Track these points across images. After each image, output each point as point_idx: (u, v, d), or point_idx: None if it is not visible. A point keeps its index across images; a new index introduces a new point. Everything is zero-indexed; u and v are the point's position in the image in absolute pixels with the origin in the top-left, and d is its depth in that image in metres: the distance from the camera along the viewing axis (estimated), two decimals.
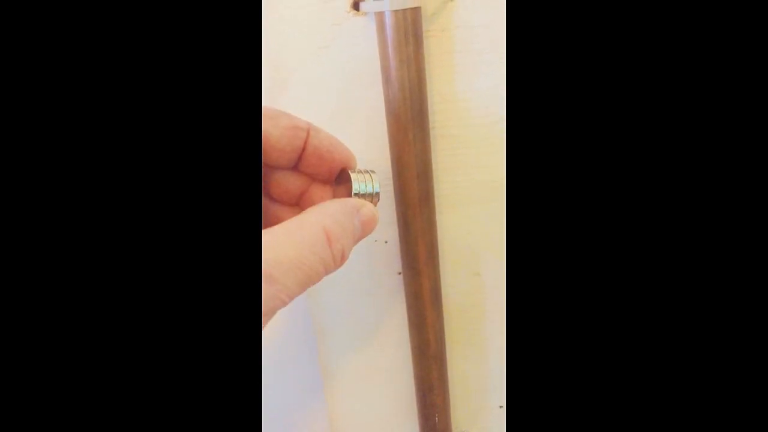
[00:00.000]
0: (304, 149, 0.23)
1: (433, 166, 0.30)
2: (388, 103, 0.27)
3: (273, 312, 0.19)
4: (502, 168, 0.30)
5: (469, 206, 0.32)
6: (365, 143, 0.30)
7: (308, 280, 0.19)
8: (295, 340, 0.38)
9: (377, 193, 0.24)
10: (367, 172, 0.25)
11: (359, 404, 0.38)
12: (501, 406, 0.37)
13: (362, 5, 0.26)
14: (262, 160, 0.23)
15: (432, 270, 0.31)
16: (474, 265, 0.33)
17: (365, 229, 0.23)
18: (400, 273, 0.33)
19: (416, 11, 0.25)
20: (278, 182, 0.24)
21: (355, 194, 0.24)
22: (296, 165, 0.24)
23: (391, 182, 0.30)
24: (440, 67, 0.28)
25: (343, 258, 0.21)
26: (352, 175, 0.24)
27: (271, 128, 0.22)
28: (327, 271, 0.21)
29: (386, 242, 0.33)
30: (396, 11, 0.25)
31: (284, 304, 0.19)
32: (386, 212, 0.32)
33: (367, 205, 0.23)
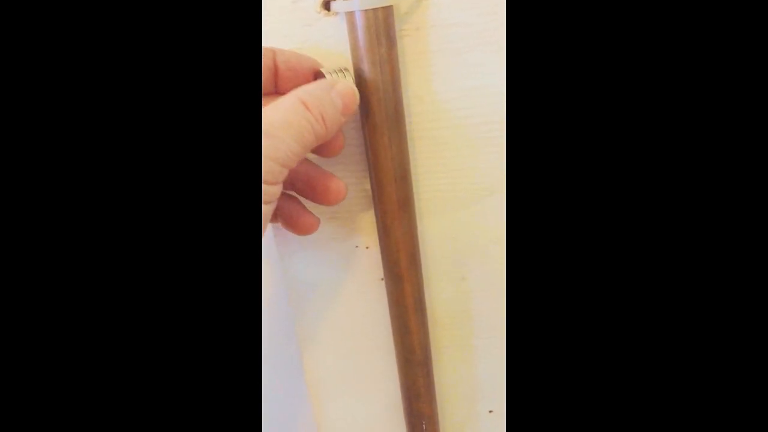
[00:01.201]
0: (277, 68, 0.25)
1: (414, 170, 0.29)
2: (363, 106, 0.26)
3: (281, 165, 0.21)
4: (486, 170, 0.29)
5: (452, 210, 0.31)
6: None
7: (301, 137, 0.22)
8: (279, 349, 0.37)
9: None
10: (340, 69, 0.25)
11: (346, 413, 0.37)
12: (491, 411, 0.37)
13: (332, 5, 0.26)
14: None
15: (414, 276, 0.30)
16: (459, 270, 0.32)
17: (346, 101, 0.24)
18: (382, 279, 0.32)
19: (388, 10, 0.24)
20: None
21: None
22: (276, 87, 0.25)
23: (369, 187, 0.29)
24: (416, 68, 0.27)
25: (325, 122, 0.23)
26: (326, 74, 0.25)
27: None
28: (316, 133, 0.22)
29: (367, 248, 0.32)
30: (366, 11, 0.24)
31: (288, 158, 0.21)
32: (367, 217, 0.31)
33: (342, 81, 0.24)
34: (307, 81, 0.25)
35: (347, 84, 0.24)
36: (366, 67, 0.25)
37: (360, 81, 0.25)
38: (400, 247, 0.29)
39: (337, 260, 0.32)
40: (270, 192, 0.21)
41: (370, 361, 0.35)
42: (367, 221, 0.31)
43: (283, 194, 0.26)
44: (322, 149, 0.26)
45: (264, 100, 0.25)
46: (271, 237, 0.33)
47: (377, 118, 0.26)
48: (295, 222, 0.28)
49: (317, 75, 0.26)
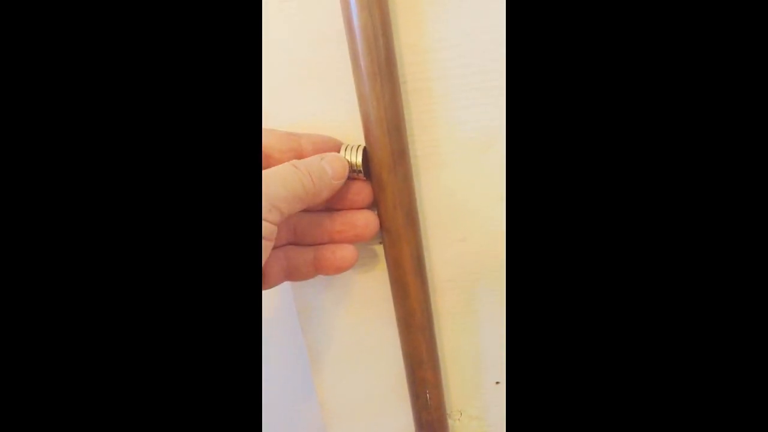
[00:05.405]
0: (302, 149, 0.27)
1: (409, 124, 0.28)
2: (353, 53, 0.25)
3: (270, 203, 0.23)
4: (484, 123, 0.29)
5: (449, 166, 0.30)
6: (336, 102, 0.28)
7: (288, 184, 0.24)
8: (278, 321, 0.36)
9: (359, 162, 0.28)
10: (356, 146, 0.28)
11: (349, 384, 0.36)
12: (498, 382, 0.36)
13: None
14: (271, 165, 0.26)
15: (412, 234, 0.29)
16: (459, 230, 0.31)
17: (335, 167, 0.27)
18: (380, 243, 0.32)
19: None
20: None
21: None
22: None
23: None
24: (407, 15, 0.26)
25: (312, 178, 0.25)
26: (341, 148, 0.28)
27: (269, 136, 0.27)
28: (303, 185, 0.25)
29: None
30: None
31: (274, 197, 0.23)
32: None
33: (331, 153, 0.27)
34: None
35: (334, 155, 0.27)
36: (355, 12, 0.24)
37: (349, 27, 0.25)
38: (397, 203, 0.28)
39: None
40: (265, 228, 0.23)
41: (373, 329, 0.34)
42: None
43: (314, 247, 0.29)
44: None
45: None
46: None
47: (367, 65, 0.25)
48: (331, 263, 0.29)
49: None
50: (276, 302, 0.37)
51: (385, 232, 0.29)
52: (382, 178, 0.27)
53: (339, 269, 0.29)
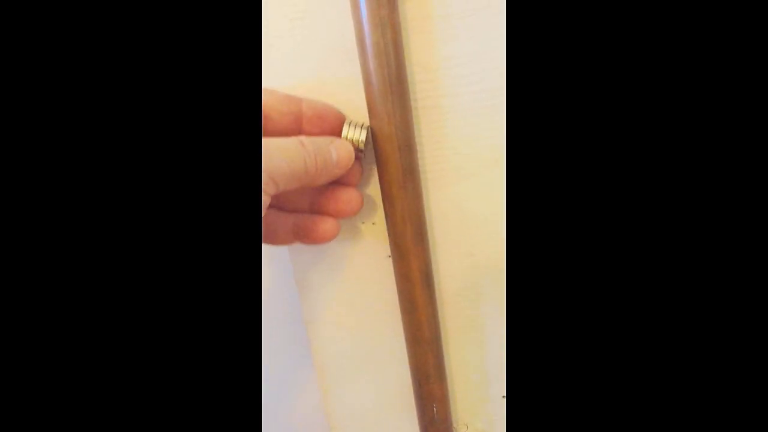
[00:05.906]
0: (302, 114, 0.27)
1: (419, 141, 0.29)
2: (365, 71, 0.26)
3: (269, 176, 0.22)
4: (492, 140, 0.29)
5: (459, 182, 0.30)
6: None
7: (291, 161, 0.23)
8: (286, 332, 0.36)
9: (362, 141, 0.27)
10: (360, 124, 0.27)
11: (355, 396, 0.36)
12: (504, 396, 0.36)
13: None
14: (269, 127, 0.26)
15: (421, 249, 0.29)
16: (467, 245, 0.32)
17: (340, 157, 0.26)
18: (389, 256, 0.32)
19: None
20: None
21: (344, 138, 0.27)
22: (301, 132, 0.27)
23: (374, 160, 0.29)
24: (419, 34, 0.27)
25: (316, 159, 0.25)
26: (344, 124, 0.27)
27: (268, 96, 0.26)
28: (306, 164, 0.24)
29: (374, 224, 0.31)
30: None
31: (275, 172, 0.23)
32: (373, 192, 0.31)
33: (342, 140, 0.26)
34: (332, 128, 0.27)
35: (345, 144, 0.26)
36: (368, 30, 0.25)
37: (362, 46, 0.25)
38: (406, 219, 0.28)
39: (343, 238, 0.32)
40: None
41: (380, 342, 0.34)
42: (373, 196, 0.31)
43: (294, 214, 0.29)
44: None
45: None
46: None
47: (379, 83, 0.25)
48: (312, 234, 0.29)
49: (341, 124, 0.27)
50: (283, 312, 0.37)
51: (394, 247, 0.29)
52: (392, 193, 0.28)
53: (320, 240, 0.29)
